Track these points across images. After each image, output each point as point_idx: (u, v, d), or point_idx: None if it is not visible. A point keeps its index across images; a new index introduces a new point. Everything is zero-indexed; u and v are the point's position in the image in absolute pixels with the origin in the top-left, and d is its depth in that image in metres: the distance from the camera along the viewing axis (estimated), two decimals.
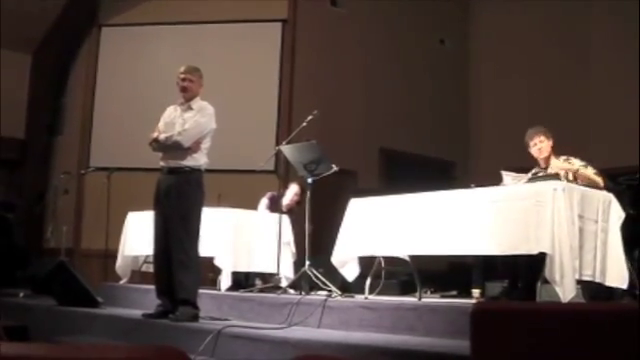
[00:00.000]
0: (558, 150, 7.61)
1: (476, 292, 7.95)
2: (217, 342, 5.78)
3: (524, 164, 7.65)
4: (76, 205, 13.45)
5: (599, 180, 7.22)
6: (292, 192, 10.18)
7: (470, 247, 6.37)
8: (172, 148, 6.91)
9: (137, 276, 10.13)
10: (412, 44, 14.96)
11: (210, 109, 7.08)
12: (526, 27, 14.81)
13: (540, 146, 7.56)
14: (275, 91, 13.06)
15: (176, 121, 7.05)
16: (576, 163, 7.39)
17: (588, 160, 7.47)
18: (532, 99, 14.28)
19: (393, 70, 14.48)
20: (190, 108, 7.06)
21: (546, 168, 7.49)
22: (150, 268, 8.38)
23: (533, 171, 7.43)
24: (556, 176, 6.82)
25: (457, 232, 6.38)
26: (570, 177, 7.16)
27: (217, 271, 8.86)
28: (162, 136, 6.98)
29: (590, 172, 7.24)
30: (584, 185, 6.75)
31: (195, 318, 6.73)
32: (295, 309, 6.65)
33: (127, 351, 1.42)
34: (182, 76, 7.11)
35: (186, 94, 7.10)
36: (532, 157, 7.64)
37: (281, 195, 9.90)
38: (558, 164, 7.41)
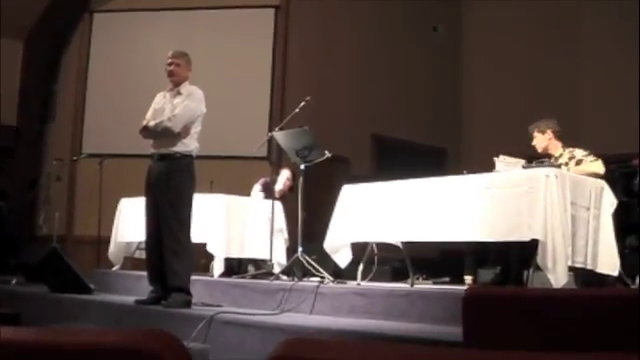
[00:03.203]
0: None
1: (468, 279, 7.97)
2: (210, 328, 5.78)
3: (516, 151, 7.68)
4: (68, 192, 13.41)
5: (598, 168, 7.27)
6: (284, 177, 10.19)
7: (462, 234, 6.38)
8: (162, 134, 6.89)
9: (129, 262, 10.12)
10: (405, 31, 14.93)
11: (199, 93, 7.05)
12: (520, 15, 14.79)
13: (534, 142, 7.73)
14: (268, 77, 13.04)
15: (165, 107, 7.02)
16: (579, 154, 7.48)
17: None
18: (524, 86, 14.28)
19: (386, 57, 14.47)
20: (179, 93, 7.04)
21: (549, 158, 7.57)
22: (143, 254, 8.38)
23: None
24: (555, 165, 6.86)
25: (449, 218, 6.39)
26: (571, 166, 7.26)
27: (210, 257, 8.86)
28: (152, 123, 6.97)
29: (589, 167, 7.29)
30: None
31: (188, 304, 6.72)
32: (287, 295, 6.65)
33: (118, 335, 1.42)
34: (169, 60, 7.08)
35: (173, 78, 7.07)
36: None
37: (274, 181, 9.91)
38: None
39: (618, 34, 13.25)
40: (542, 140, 7.73)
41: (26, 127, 14.49)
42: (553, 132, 7.73)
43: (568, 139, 7.87)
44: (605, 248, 6.31)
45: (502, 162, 6.90)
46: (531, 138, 7.82)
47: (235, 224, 8.92)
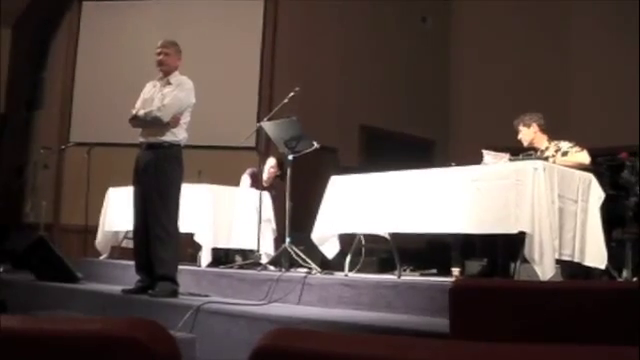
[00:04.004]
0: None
1: (455, 270, 7.99)
2: (196, 318, 5.78)
3: (504, 144, 7.72)
4: (56, 180, 13.37)
5: (583, 159, 7.33)
6: (269, 165, 10.21)
7: (450, 225, 6.40)
8: (152, 124, 6.87)
9: (117, 252, 10.11)
10: (394, 22, 14.89)
11: (189, 84, 7.03)
12: (508, 7, 14.79)
13: (520, 136, 7.80)
14: (256, 67, 13.03)
15: (155, 96, 6.99)
16: (564, 146, 7.52)
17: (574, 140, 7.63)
18: (513, 78, 14.30)
19: (375, 48, 14.45)
20: (169, 83, 7.01)
21: (536, 151, 7.62)
22: (130, 244, 8.37)
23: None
24: (542, 158, 6.89)
25: (437, 210, 6.40)
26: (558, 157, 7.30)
27: (197, 247, 8.87)
28: (141, 112, 6.95)
29: (574, 158, 7.35)
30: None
31: (174, 294, 6.72)
32: (275, 286, 6.66)
33: (105, 324, 1.41)
34: (158, 50, 7.05)
35: (163, 67, 7.05)
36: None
37: (262, 171, 9.92)
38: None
39: (607, 27, 13.27)
40: (528, 134, 7.78)
41: (13, 114, 14.42)
42: (538, 125, 7.78)
43: (556, 131, 7.91)
44: (592, 241, 6.34)
45: (490, 154, 6.93)
46: (516, 132, 7.86)
47: (223, 214, 8.92)
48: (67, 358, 1.41)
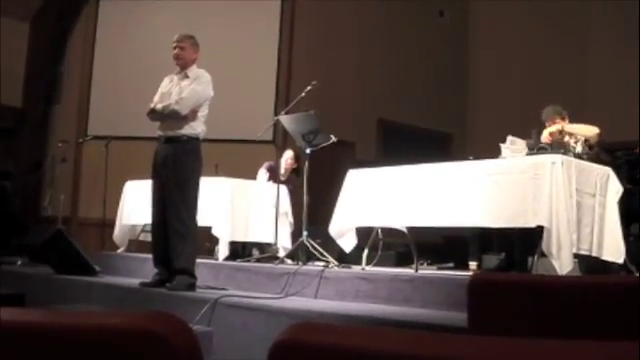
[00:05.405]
0: None
1: (473, 264, 7.98)
2: (214, 311, 5.79)
3: (522, 138, 7.67)
4: (74, 174, 13.42)
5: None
6: (286, 156, 10.21)
7: (467, 219, 6.39)
8: (170, 117, 6.87)
9: (134, 245, 10.14)
10: (411, 16, 14.91)
11: (207, 76, 7.02)
12: (526, 2, 14.75)
13: (554, 128, 7.62)
14: (274, 61, 13.05)
15: (173, 90, 6.99)
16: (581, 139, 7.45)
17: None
18: (530, 72, 14.27)
19: (392, 42, 14.45)
20: (186, 76, 7.00)
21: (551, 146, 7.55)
22: (148, 237, 8.40)
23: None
24: (561, 147, 6.85)
25: (454, 204, 6.39)
26: (575, 147, 7.23)
27: (214, 241, 8.89)
28: (159, 106, 6.94)
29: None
30: (583, 149, 6.88)
31: (192, 287, 6.72)
32: (292, 279, 6.66)
33: (123, 317, 1.42)
34: (174, 44, 7.04)
35: (179, 61, 7.03)
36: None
37: (278, 165, 9.93)
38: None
39: (623, 23, 13.21)
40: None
41: (31, 109, 14.46)
42: (570, 119, 7.68)
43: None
44: (610, 235, 6.30)
45: (508, 148, 6.90)
46: (544, 124, 7.71)
47: (240, 208, 8.93)
48: (86, 352, 1.41)
